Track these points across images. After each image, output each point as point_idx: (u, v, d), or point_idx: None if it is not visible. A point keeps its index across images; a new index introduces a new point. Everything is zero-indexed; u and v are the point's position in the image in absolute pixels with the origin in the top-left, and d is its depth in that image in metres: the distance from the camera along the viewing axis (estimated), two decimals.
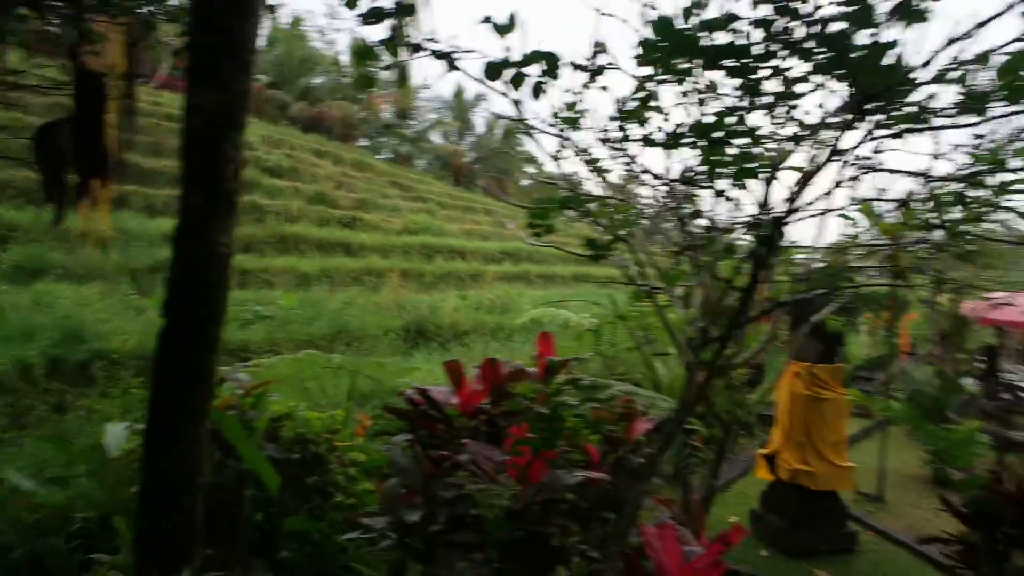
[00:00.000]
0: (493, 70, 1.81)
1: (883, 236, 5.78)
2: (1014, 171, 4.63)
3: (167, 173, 15.14)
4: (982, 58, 1.91)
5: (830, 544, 6.34)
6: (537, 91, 1.90)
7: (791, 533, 6.27)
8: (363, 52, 1.74)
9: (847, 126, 1.99)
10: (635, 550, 2.35)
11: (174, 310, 2.38)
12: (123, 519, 3.43)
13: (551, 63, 1.81)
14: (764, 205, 2.26)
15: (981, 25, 1.84)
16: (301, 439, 4.09)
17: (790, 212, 2.09)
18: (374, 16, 1.67)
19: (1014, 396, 14.77)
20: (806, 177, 2.11)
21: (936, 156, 3.16)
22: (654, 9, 2.50)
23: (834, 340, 6.40)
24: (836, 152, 2.51)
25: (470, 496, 2.33)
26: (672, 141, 2.04)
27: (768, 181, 2.34)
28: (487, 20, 1.77)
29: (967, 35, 1.84)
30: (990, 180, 3.88)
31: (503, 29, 1.74)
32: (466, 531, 2.44)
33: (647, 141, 2.10)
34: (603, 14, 2.42)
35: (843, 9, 1.69)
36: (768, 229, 2.08)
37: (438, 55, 1.75)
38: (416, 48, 1.76)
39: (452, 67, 1.87)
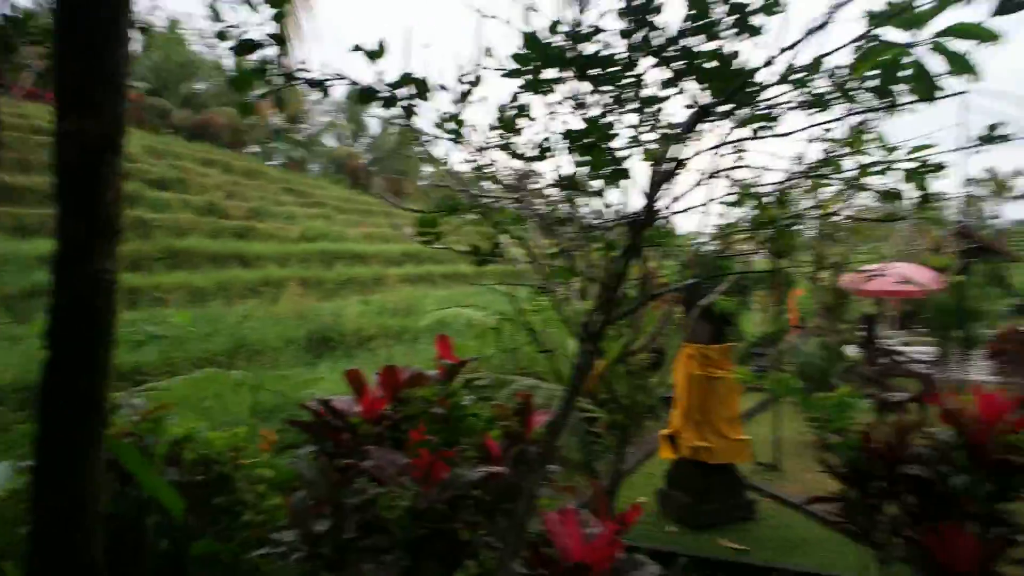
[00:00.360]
0: (364, 96, 1.87)
1: (761, 220, 6.17)
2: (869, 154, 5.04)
3: (38, 191, 14.28)
4: (815, 64, 2.11)
5: (732, 514, 6.70)
6: (409, 112, 1.97)
7: (695, 507, 6.59)
8: (240, 81, 1.75)
9: (693, 126, 2.16)
10: (540, 537, 2.47)
11: (59, 339, 2.30)
12: (12, 564, 3.29)
13: (420, 87, 1.89)
14: (635, 202, 2.43)
15: (811, 32, 2.04)
16: (204, 460, 4.02)
17: (650, 211, 2.25)
18: (245, 48, 1.69)
19: (891, 360, 15.97)
20: (666, 175, 2.27)
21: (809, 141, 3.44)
22: (534, 11, 2.63)
23: (723, 321, 6.76)
24: (704, 149, 2.71)
25: (377, 501, 2.38)
26: (541, 153, 2.16)
27: (643, 179, 2.49)
28: (357, 48, 1.82)
29: (800, 41, 2.04)
30: (849, 164, 4.25)
31: (374, 55, 1.80)
32: (377, 535, 2.49)
33: (514, 154, 2.21)
34: (486, 16, 2.52)
35: (690, 24, 1.84)
36: (634, 226, 2.23)
37: (310, 83, 1.79)
38: (289, 77, 1.79)
39: (324, 94, 1.92)
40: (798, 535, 6.43)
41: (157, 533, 3.76)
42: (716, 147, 2.67)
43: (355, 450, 2.80)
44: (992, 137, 2.59)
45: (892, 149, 5.62)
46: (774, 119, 2.41)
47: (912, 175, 5.77)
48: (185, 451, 4.03)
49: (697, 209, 4.26)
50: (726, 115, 2.23)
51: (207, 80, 36.07)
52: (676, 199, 3.01)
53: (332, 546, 2.53)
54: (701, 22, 1.79)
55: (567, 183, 2.40)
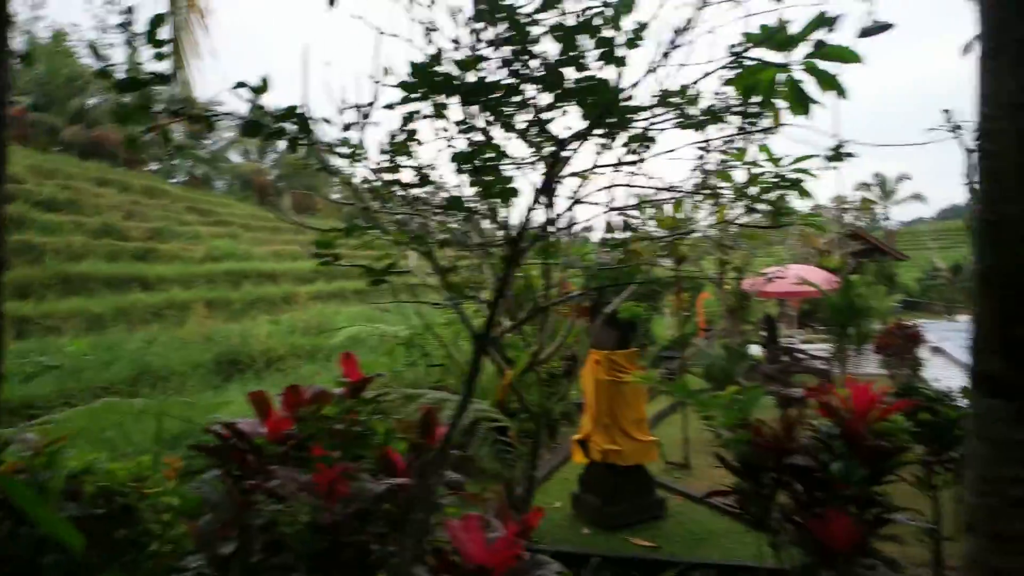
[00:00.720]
0: (249, 129, 1.92)
1: (662, 228, 6.47)
2: (759, 164, 5.37)
3: None
4: (683, 89, 2.29)
5: (643, 513, 6.94)
6: (293, 146, 2.03)
7: (607, 509, 6.80)
8: (123, 116, 1.77)
9: (563, 147, 2.31)
10: (445, 544, 2.55)
11: None
12: None
13: (302, 122, 1.96)
14: (519, 218, 2.56)
15: (668, 53, 2.23)
16: (105, 492, 3.90)
17: (524, 227, 2.38)
18: (128, 86, 1.71)
19: (791, 358, 16.81)
20: (545, 191, 2.41)
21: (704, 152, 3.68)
22: (434, 29, 2.73)
23: (628, 327, 7.02)
24: (589, 168, 2.88)
25: (291, 520, 2.42)
26: (422, 179, 2.26)
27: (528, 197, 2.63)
28: (241, 85, 1.88)
29: (659, 66, 2.23)
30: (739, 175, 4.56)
31: (258, 90, 1.86)
32: (285, 554, 2.52)
33: (402, 179, 2.31)
34: (386, 34, 2.61)
35: (561, 55, 1.98)
36: (512, 241, 2.35)
37: (195, 118, 1.83)
38: (174, 113, 1.82)
39: (210, 128, 1.96)
40: (705, 528, 6.72)
41: (55, 572, 3.63)
42: (602, 166, 2.85)
43: (261, 471, 2.81)
44: (839, 155, 2.85)
45: (777, 161, 6.01)
46: (651, 138, 2.60)
47: (794, 184, 6.19)
48: (85, 484, 3.90)
49: (590, 220, 4.46)
50: (605, 136, 2.39)
51: (98, 95, 34.46)
52: (567, 211, 3.18)
53: (240, 568, 2.54)
54: (570, 54, 1.93)
55: (456, 203, 2.51)
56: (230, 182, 42.22)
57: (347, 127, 2.25)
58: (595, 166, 2.71)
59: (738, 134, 2.81)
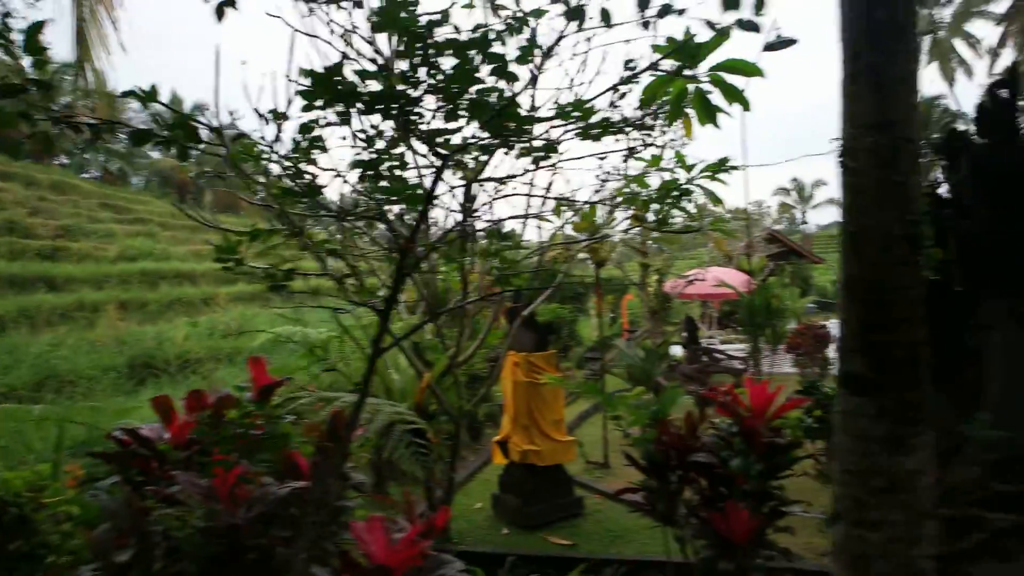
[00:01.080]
0: (138, 138, 1.91)
1: (579, 232, 6.61)
2: (671, 170, 5.55)
3: None
4: (578, 103, 2.39)
5: (561, 512, 7.08)
6: (183, 155, 2.03)
7: (526, 508, 6.91)
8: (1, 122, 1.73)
9: (452, 156, 2.38)
10: (350, 546, 2.58)
11: None
12: None
13: (190, 133, 1.96)
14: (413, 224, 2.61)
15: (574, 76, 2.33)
16: None
17: (415, 232, 2.44)
18: (7, 92, 1.68)
19: (710, 358, 17.36)
20: (430, 198, 2.47)
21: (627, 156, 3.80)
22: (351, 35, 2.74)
23: (546, 329, 7.14)
24: (503, 176, 2.96)
25: (182, 524, 2.40)
26: (312, 189, 2.29)
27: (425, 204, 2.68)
28: (129, 93, 1.86)
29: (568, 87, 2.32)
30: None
31: (147, 97, 1.85)
32: (186, 560, 2.50)
33: (307, 183, 2.33)
34: (300, 33, 2.62)
35: (458, 70, 2.05)
36: (402, 247, 2.41)
37: (77, 127, 1.81)
38: (57, 121, 1.79)
39: (97, 138, 1.94)
40: (621, 526, 6.90)
41: None
42: (506, 177, 2.93)
43: (163, 477, 2.78)
44: (722, 167, 3.01)
45: (690, 168, 6.23)
46: (552, 149, 2.69)
47: (705, 191, 6.42)
48: None
49: (501, 224, 4.54)
50: (503, 146, 2.47)
51: None
52: (474, 216, 3.26)
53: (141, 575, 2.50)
54: (466, 68, 2.00)
55: (355, 208, 2.55)
56: (148, 178, 40.73)
57: (256, 128, 2.26)
58: (507, 176, 2.79)
59: (636, 147, 2.93)
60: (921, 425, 2.04)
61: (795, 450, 4.11)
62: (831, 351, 16.10)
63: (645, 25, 2.07)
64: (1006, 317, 4.74)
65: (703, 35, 2.96)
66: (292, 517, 2.68)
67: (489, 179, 3.08)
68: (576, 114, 2.40)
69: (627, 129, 2.76)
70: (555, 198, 3.99)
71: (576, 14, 2.05)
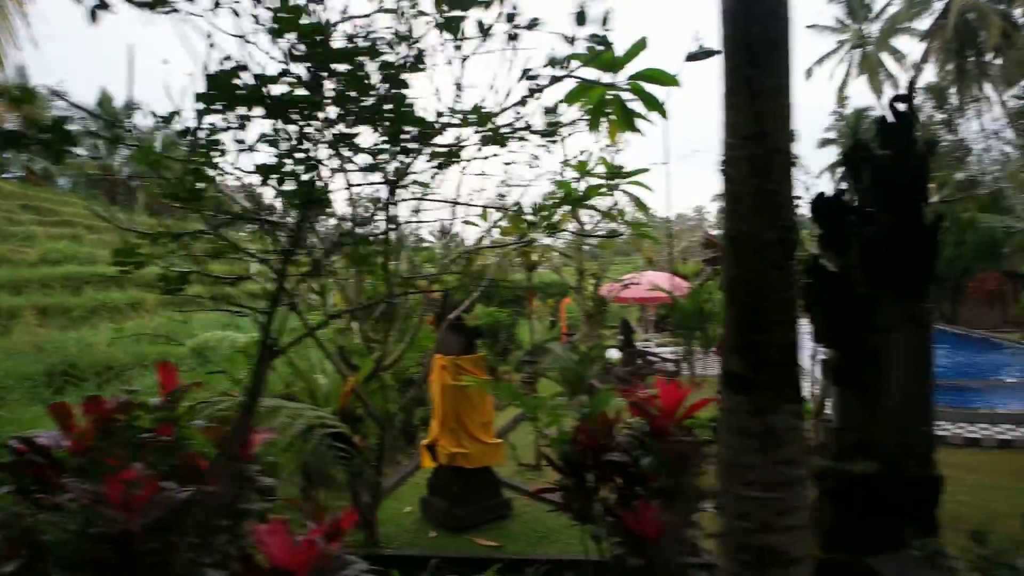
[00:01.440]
0: (5, 141, 1.89)
1: (506, 236, 6.68)
2: (599, 176, 5.68)
3: None
4: (476, 109, 2.45)
5: (489, 514, 7.12)
6: (58, 157, 2.01)
7: (454, 511, 6.93)
8: None
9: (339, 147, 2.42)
10: (251, 549, 2.57)
11: None
12: None
13: (64, 136, 1.94)
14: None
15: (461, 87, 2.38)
16: None
17: (298, 236, 2.47)
18: None
19: (644, 361, 17.68)
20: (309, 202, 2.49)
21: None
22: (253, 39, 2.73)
23: (473, 333, 7.19)
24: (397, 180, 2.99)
25: (71, 532, 2.35)
26: (192, 193, 2.30)
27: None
28: (2, 93, 1.85)
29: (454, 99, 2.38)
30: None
31: (17, 100, 1.83)
32: (76, 569, 2.46)
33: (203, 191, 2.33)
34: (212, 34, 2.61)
35: (348, 76, 2.08)
36: (285, 252, 2.43)
37: None
38: None
39: None
40: (547, 527, 6.98)
41: None
42: (408, 180, 2.97)
43: (58, 485, 2.72)
44: (629, 175, 3.11)
45: (614, 174, 6.36)
46: (455, 154, 2.74)
47: (632, 197, 6.49)
48: None
49: (420, 228, 4.55)
50: (404, 152, 2.51)
51: None
52: (385, 220, 3.28)
53: None
54: (357, 74, 2.04)
55: (258, 212, 2.56)
56: (75, 179, 39.24)
57: (167, 119, 2.25)
58: (408, 180, 2.83)
59: (538, 154, 3.00)
60: (794, 421, 2.16)
61: (703, 448, 4.25)
62: None
63: (513, 37, 2.13)
64: (904, 319, 5.00)
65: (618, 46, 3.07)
66: (191, 522, 2.66)
67: (390, 182, 3.10)
68: (474, 119, 2.46)
69: (529, 136, 2.82)
70: (471, 204, 4.05)
71: (450, 26, 2.11)
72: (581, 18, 2.07)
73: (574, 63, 3.65)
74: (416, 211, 4.05)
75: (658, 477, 4.08)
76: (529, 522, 7.14)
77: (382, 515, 7.02)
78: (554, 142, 2.98)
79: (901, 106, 5.20)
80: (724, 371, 2.27)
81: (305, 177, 2.49)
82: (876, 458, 4.79)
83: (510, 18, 2.19)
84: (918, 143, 5.19)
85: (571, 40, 2.20)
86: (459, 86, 2.40)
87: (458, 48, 2.26)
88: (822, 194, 5.28)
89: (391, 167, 2.93)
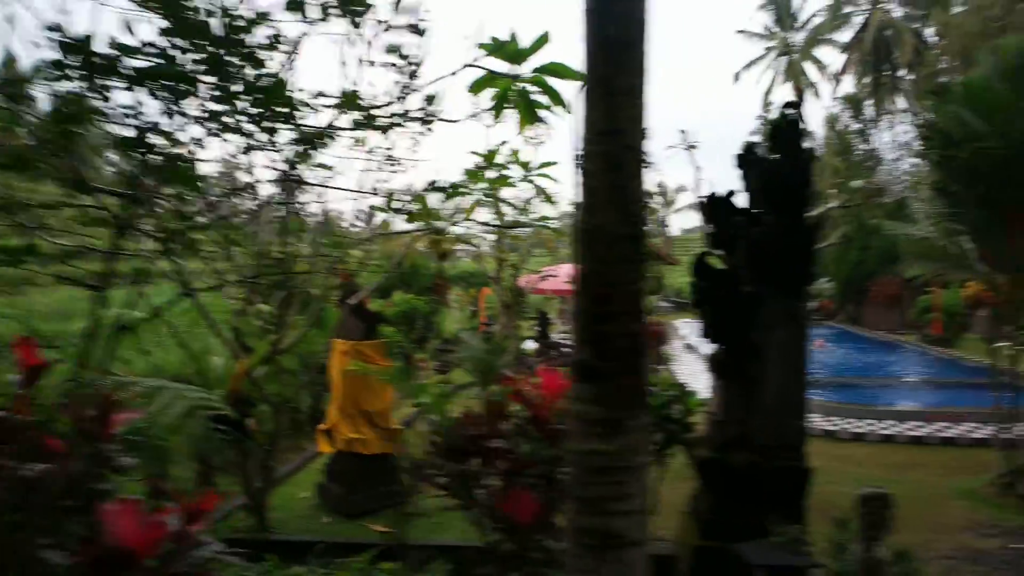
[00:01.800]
0: None
1: (412, 223, 6.65)
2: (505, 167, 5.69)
3: None
4: (350, 96, 2.44)
5: (387, 500, 7.09)
6: None
7: (351, 497, 6.90)
8: None
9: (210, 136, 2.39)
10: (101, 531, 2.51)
11: None
12: None
13: None
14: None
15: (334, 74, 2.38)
16: None
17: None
18: None
19: (559, 352, 17.94)
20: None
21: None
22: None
23: (375, 319, 7.15)
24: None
25: None
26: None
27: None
28: None
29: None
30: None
31: None
32: None
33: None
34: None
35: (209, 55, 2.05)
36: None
37: None
38: None
39: None
40: (445, 514, 7.02)
41: None
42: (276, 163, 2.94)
43: None
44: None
45: (525, 165, 6.39)
46: (324, 139, 2.73)
47: (539, 189, 6.61)
48: None
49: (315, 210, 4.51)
50: (270, 130, 2.48)
51: None
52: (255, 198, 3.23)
53: None
54: (215, 53, 2.01)
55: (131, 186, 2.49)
56: None
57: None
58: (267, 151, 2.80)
59: (415, 139, 3.01)
60: (636, 409, 2.24)
61: None
62: (672, 348, 17.07)
63: (355, 25, 2.14)
64: (786, 317, 5.24)
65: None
66: (38, 502, 2.58)
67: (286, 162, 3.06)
68: (342, 103, 2.46)
69: (405, 122, 2.84)
70: (361, 192, 4.02)
71: (295, 6, 2.11)
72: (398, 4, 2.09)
73: (479, 52, 3.69)
74: (319, 194, 4.01)
75: (537, 464, 4.17)
76: (424, 508, 7.16)
77: (277, 501, 6.93)
78: (431, 131, 3.00)
79: (791, 112, 5.44)
80: (573, 361, 2.34)
81: (169, 152, 2.44)
82: (754, 450, 5.01)
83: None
84: (805, 149, 5.43)
85: (387, 27, 2.22)
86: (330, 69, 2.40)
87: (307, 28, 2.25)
88: (713, 194, 5.47)
89: (273, 146, 2.89)
